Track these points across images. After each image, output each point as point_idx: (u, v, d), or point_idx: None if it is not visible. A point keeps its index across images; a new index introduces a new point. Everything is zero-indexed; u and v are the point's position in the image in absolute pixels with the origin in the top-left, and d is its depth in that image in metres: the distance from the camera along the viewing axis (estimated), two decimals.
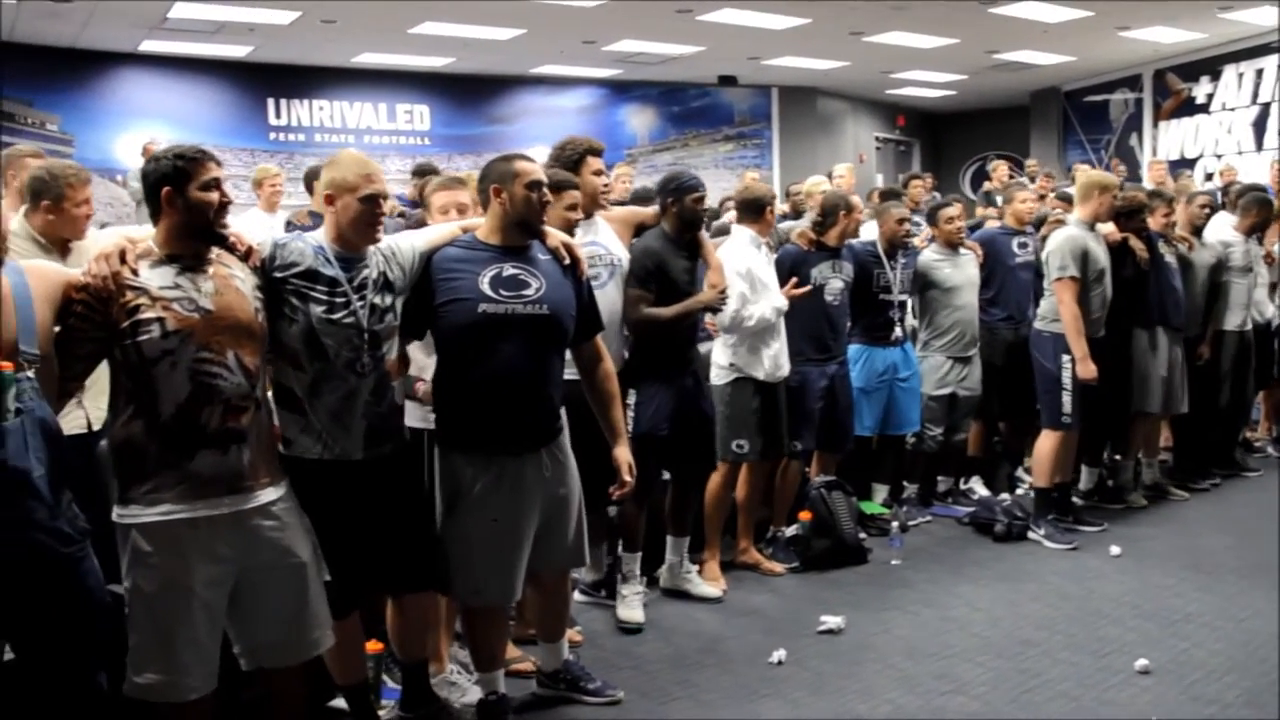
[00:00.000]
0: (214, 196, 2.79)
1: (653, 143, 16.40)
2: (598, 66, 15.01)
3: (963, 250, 6.11)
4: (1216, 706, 3.74)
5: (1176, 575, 5.11)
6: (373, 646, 3.58)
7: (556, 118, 15.32)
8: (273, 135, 14.04)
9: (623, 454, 3.70)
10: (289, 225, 6.68)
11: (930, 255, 6.09)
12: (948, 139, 19.79)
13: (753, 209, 5.10)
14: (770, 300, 4.97)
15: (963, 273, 6.06)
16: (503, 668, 3.69)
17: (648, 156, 15.98)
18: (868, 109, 18.28)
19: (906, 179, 9.62)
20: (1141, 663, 4.04)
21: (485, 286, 3.31)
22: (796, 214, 7.55)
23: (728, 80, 16.16)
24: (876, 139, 18.64)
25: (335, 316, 3.08)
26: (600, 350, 3.71)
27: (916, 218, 6.75)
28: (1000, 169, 11.38)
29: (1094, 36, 13.21)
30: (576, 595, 4.76)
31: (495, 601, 3.52)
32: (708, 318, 4.89)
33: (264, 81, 13.94)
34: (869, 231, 6.18)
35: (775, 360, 5.04)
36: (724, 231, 5.93)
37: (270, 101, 14.09)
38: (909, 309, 6.09)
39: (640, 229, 4.66)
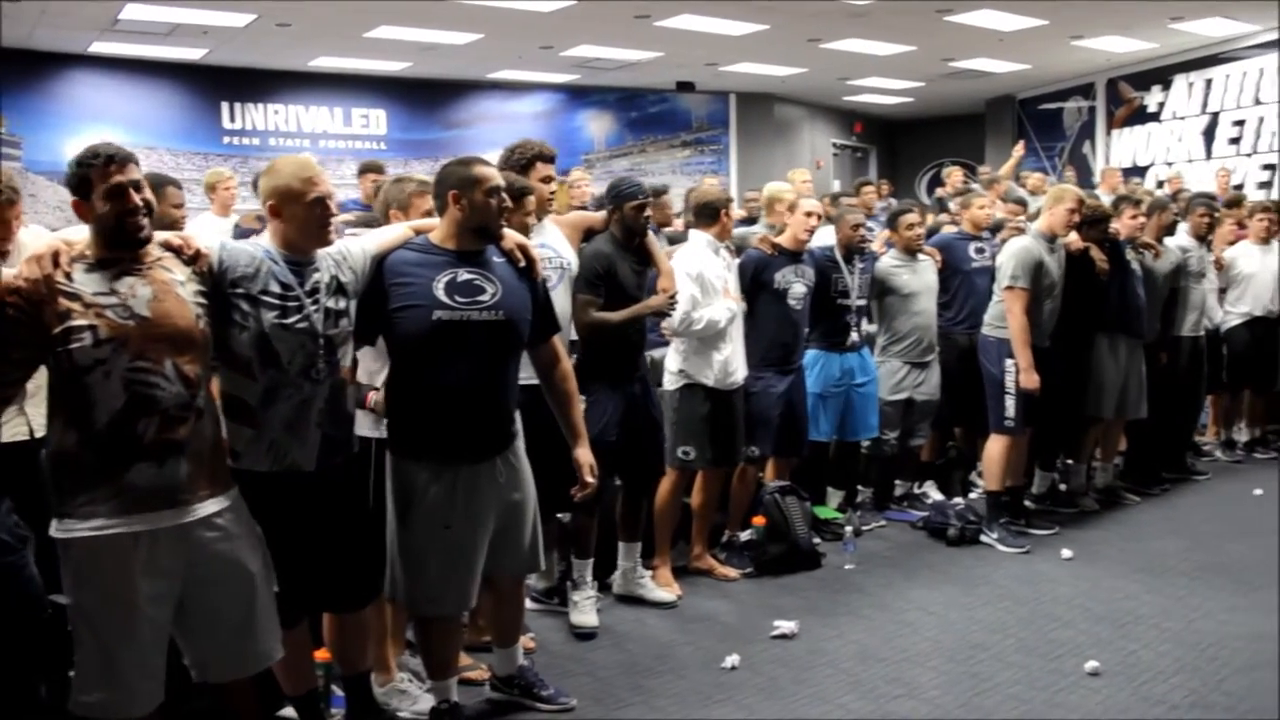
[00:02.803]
0: (119, 203, 2.65)
1: (610, 148, 16.37)
2: (555, 72, 14.97)
3: (921, 256, 6.14)
4: (1164, 707, 3.77)
5: (1127, 578, 5.15)
6: (321, 655, 3.54)
7: (514, 123, 15.25)
8: (227, 139, 13.87)
9: (584, 455, 3.70)
10: (237, 229, 6.61)
11: (889, 261, 6.10)
12: (904, 146, 19.91)
13: (708, 213, 5.09)
14: (722, 305, 4.95)
15: (921, 279, 6.08)
16: (455, 675, 3.66)
17: (605, 162, 15.94)
18: (825, 116, 18.35)
19: (858, 185, 9.67)
20: (1091, 665, 4.08)
21: (440, 293, 3.27)
22: (750, 220, 7.55)
23: (685, 86, 16.16)
24: (834, 145, 18.71)
25: (288, 322, 3.00)
26: (558, 351, 3.70)
27: (870, 223, 6.77)
28: (954, 175, 11.46)
29: (1048, 45, 13.33)
30: (528, 603, 4.73)
31: (451, 610, 3.49)
32: (662, 323, 4.86)
33: (218, 85, 13.76)
34: (825, 236, 6.18)
35: (726, 367, 5.02)
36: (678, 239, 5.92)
37: (224, 105, 13.91)
38: (866, 314, 6.10)
39: (589, 233, 4.65)
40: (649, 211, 4.68)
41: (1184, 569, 5.27)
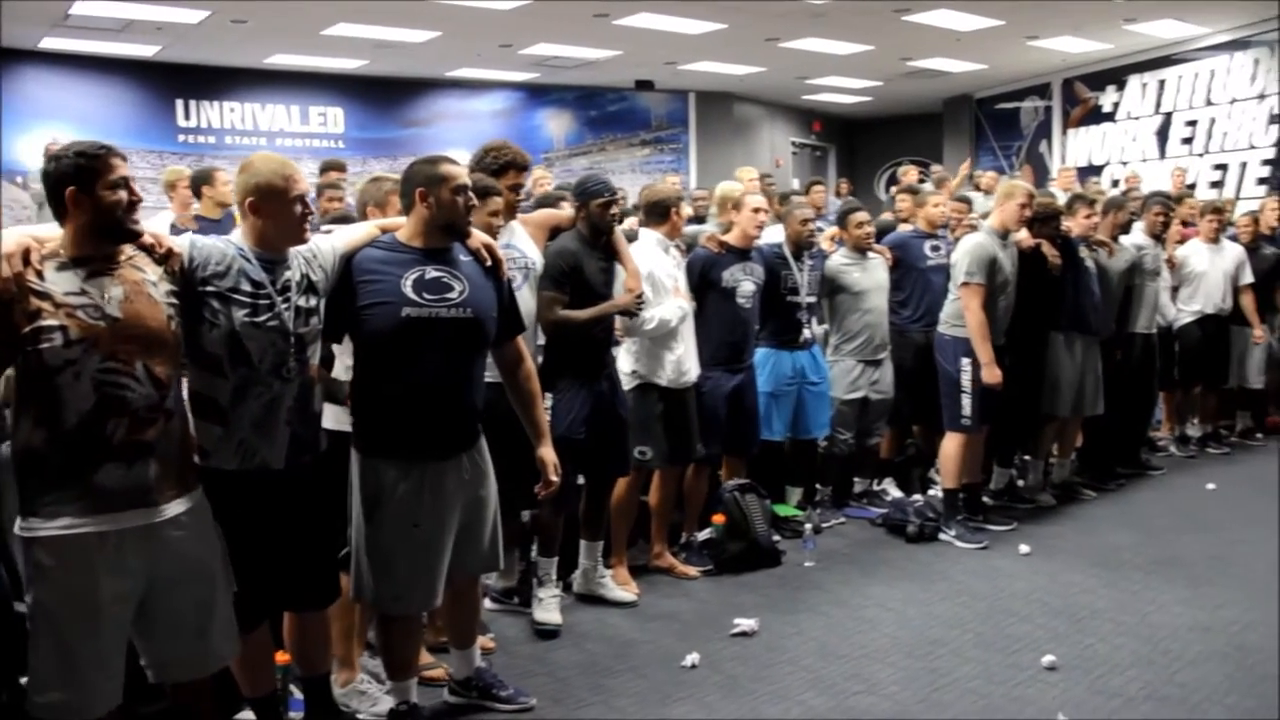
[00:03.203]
0: (122, 195, 2.65)
1: (569, 146, 16.35)
2: (514, 70, 14.93)
3: (871, 254, 6.15)
4: (1120, 700, 3.80)
5: (1083, 572, 5.20)
6: (281, 658, 3.50)
7: (473, 121, 15.22)
8: (182, 137, 13.75)
9: (547, 453, 3.71)
10: (173, 228, 6.51)
11: (839, 259, 6.10)
12: (863, 145, 20.02)
13: (658, 211, 5.08)
14: (673, 303, 4.94)
15: (871, 277, 6.09)
16: (416, 676, 3.65)
17: (564, 160, 15.92)
18: (784, 114, 18.42)
19: (809, 184, 9.71)
20: (1049, 659, 4.11)
21: (408, 290, 3.27)
22: (699, 219, 7.55)
23: (645, 85, 16.17)
24: (793, 144, 18.78)
25: (259, 320, 2.99)
26: (521, 351, 3.71)
27: (820, 223, 6.78)
28: (910, 173, 11.53)
29: (1004, 45, 13.44)
30: (487, 603, 4.72)
31: (417, 608, 3.50)
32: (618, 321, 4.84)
33: (173, 82, 13.63)
34: (774, 234, 6.20)
35: (679, 366, 5.00)
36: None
37: (179, 102, 13.79)
38: (817, 312, 6.10)
39: (556, 232, 4.63)
40: (616, 209, 4.66)
41: (1139, 563, 5.33)
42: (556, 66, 14.56)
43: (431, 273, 3.33)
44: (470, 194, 3.42)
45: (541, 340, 4.55)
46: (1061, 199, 6.84)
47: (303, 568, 3.20)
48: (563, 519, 4.64)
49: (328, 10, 11.14)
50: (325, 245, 3.27)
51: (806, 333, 5.84)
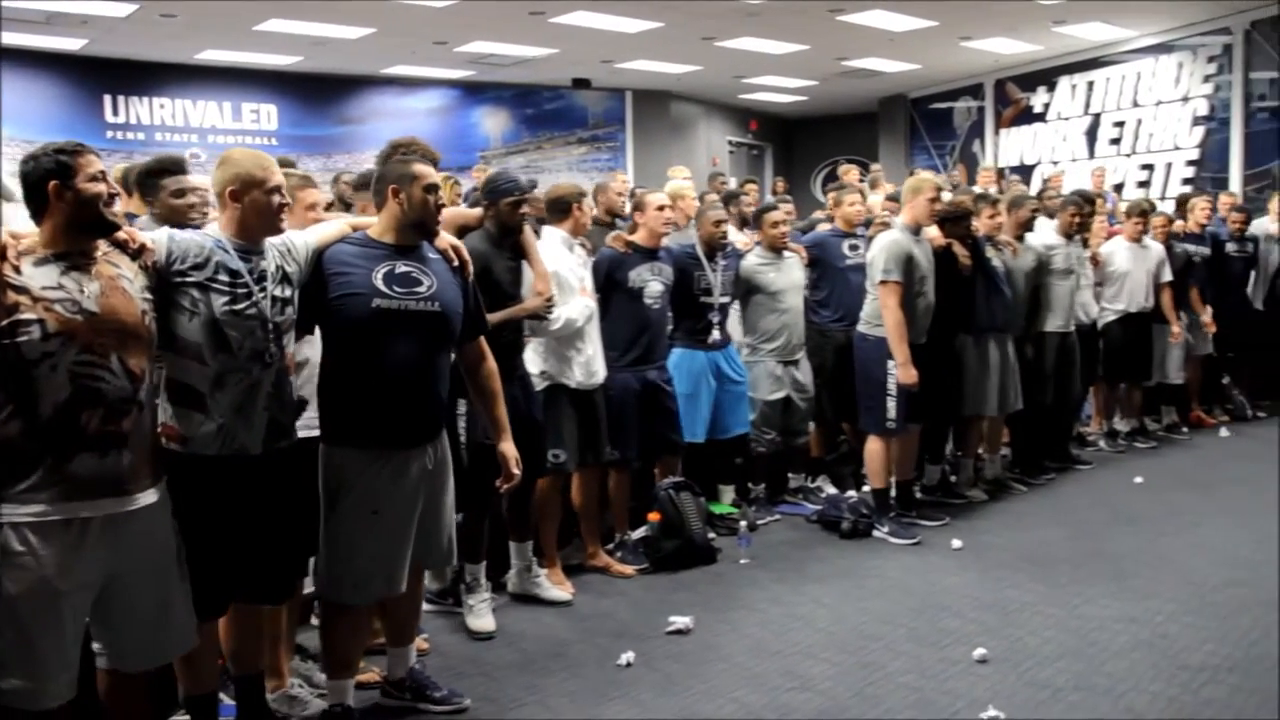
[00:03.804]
0: (102, 187, 2.76)
1: (506, 145, 16.28)
2: (450, 67, 14.84)
3: (787, 254, 6.12)
4: (1049, 691, 3.86)
5: (1013, 566, 5.26)
6: None
7: (408, 119, 15.09)
8: (110, 134, 13.47)
9: (508, 448, 3.80)
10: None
11: (754, 260, 6.06)
12: (799, 143, 20.14)
13: (560, 208, 4.99)
14: (579, 302, 4.88)
15: (787, 276, 6.06)
16: (354, 677, 3.66)
17: (501, 159, 15.84)
18: (721, 113, 18.48)
19: (742, 183, 9.74)
20: (980, 652, 4.15)
21: (379, 282, 3.38)
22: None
23: (581, 83, 16.15)
24: (730, 143, 18.85)
25: (239, 308, 3.10)
26: (484, 349, 3.80)
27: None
28: (851, 173, 11.62)
29: (938, 46, 13.59)
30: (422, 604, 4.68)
31: (377, 596, 3.55)
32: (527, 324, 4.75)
33: (100, 77, 13.36)
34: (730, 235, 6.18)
35: (587, 367, 4.95)
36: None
37: (107, 98, 13.52)
38: (730, 312, 6.02)
39: (463, 230, 4.54)
40: (526, 208, 4.58)
41: (1068, 557, 5.41)
42: (493, 64, 14.49)
43: (402, 267, 3.44)
44: (439, 193, 3.53)
45: None
46: None
47: (270, 557, 3.26)
48: (486, 524, 4.61)
49: (260, 5, 10.99)
50: (299, 239, 3.39)
51: (717, 333, 5.78)
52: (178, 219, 3.74)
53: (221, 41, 12.77)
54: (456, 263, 3.62)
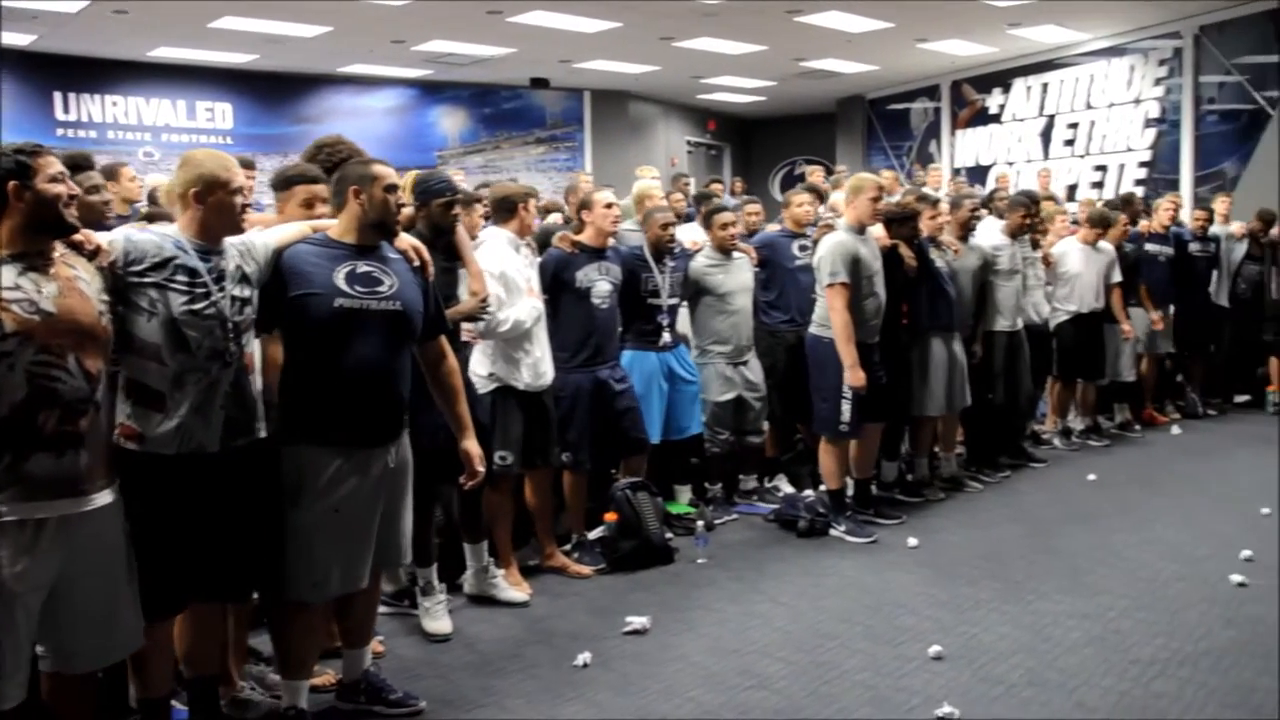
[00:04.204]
0: (62, 189, 2.78)
1: (464, 144, 16.21)
2: (407, 66, 14.76)
3: (736, 255, 6.12)
4: (1003, 687, 3.89)
5: (969, 564, 5.30)
6: None
7: (366, 118, 15.01)
8: (60, 131, 13.26)
9: (472, 446, 3.82)
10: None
11: (703, 261, 6.06)
12: (758, 144, 20.20)
13: (505, 208, 4.96)
14: (527, 303, 4.85)
15: (736, 278, 6.06)
16: (309, 678, 3.64)
17: (459, 158, 15.77)
18: (679, 113, 18.50)
19: (707, 183, 9.77)
20: (935, 649, 4.18)
21: (340, 282, 3.40)
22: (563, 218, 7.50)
23: (540, 83, 16.12)
24: (688, 143, 18.87)
25: (197, 308, 3.10)
26: (445, 348, 3.80)
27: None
28: (815, 173, 11.68)
29: (895, 47, 13.68)
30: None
31: (335, 593, 3.53)
32: (465, 326, 4.72)
33: (50, 74, 13.15)
34: (686, 234, 6.19)
35: (535, 368, 4.92)
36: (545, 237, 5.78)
37: (57, 95, 13.31)
38: (679, 313, 6.01)
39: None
40: (458, 210, 4.53)
41: (1022, 553, 5.45)
42: (450, 64, 14.43)
43: (363, 267, 3.47)
44: (398, 193, 3.57)
45: None
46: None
47: (228, 554, 3.24)
48: (436, 527, 4.60)
49: (214, 3, 10.87)
50: (258, 240, 3.38)
51: (667, 335, 5.79)
52: (93, 217, 3.74)
53: (175, 38, 12.62)
54: (417, 263, 3.64)
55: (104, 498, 2.87)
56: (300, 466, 3.41)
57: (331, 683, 3.90)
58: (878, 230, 5.97)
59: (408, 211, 4.61)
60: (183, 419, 3.09)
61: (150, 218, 3.83)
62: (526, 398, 4.94)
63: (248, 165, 7.39)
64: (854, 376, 5.55)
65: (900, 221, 6.11)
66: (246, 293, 3.26)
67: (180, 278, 3.09)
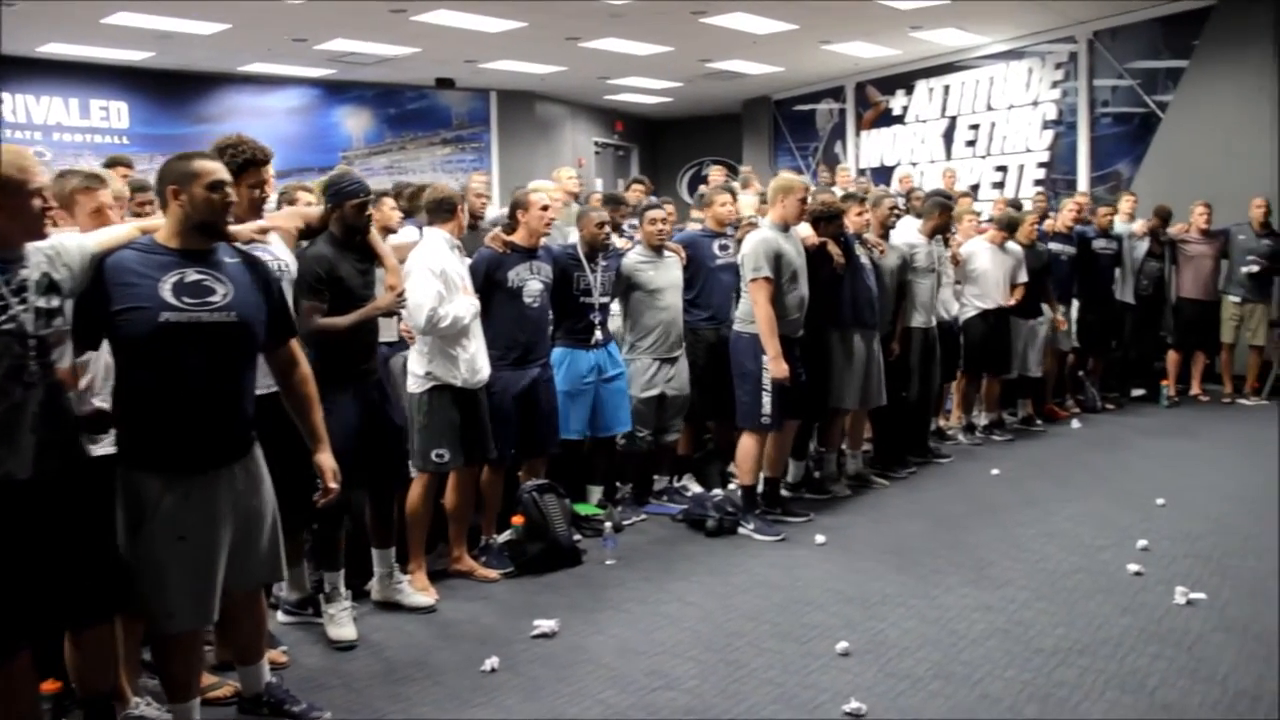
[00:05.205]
0: None
1: (369, 145, 15.96)
2: (310, 66, 14.49)
3: (667, 253, 6.18)
4: (909, 681, 3.92)
5: (876, 559, 5.35)
6: (48, 686, 3.32)
7: (267, 118, 14.69)
8: None
9: (325, 459, 3.60)
10: None
11: (634, 258, 6.12)
12: (665, 144, 20.22)
13: (444, 209, 5.00)
14: (465, 301, 4.89)
15: (666, 275, 6.13)
16: (198, 697, 3.49)
17: (364, 159, 15.53)
18: (586, 114, 18.45)
19: (628, 184, 9.76)
20: (842, 645, 4.20)
21: (167, 294, 3.11)
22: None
23: (445, 83, 15.94)
24: (595, 144, 18.83)
25: None
26: (296, 354, 3.56)
27: (635, 221, 6.81)
28: (717, 173, 11.70)
29: (799, 49, 13.77)
30: (280, 615, 4.58)
31: (190, 626, 3.31)
32: (402, 324, 4.71)
33: None
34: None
35: (472, 365, 4.95)
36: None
37: None
38: (610, 311, 6.09)
39: (307, 230, 4.43)
40: (371, 210, 4.49)
41: (928, 548, 5.52)
42: (353, 63, 14.20)
43: (192, 275, 3.18)
44: (227, 190, 3.25)
45: None
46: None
47: (71, 579, 3.00)
48: (346, 530, 4.51)
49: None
50: (71, 243, 3.09)
51: (599, 333, 5.84)
52: None
53: (66, 34, 12.21)
54: (263, 251, 3.39)
55: None
56: (139, 494, 3.16)
57: (232, 695, 3.79)
58: (804, 229, 6.05)
59: (314, 209, 4.54)
60: None
61: None
62: (463, 395, 4.92)
63: (124, 164, 7.23)
64: (777, 368, 5.62)
65: (827, 220, 6.20)
66: (55, 303, 2.95)
67: None
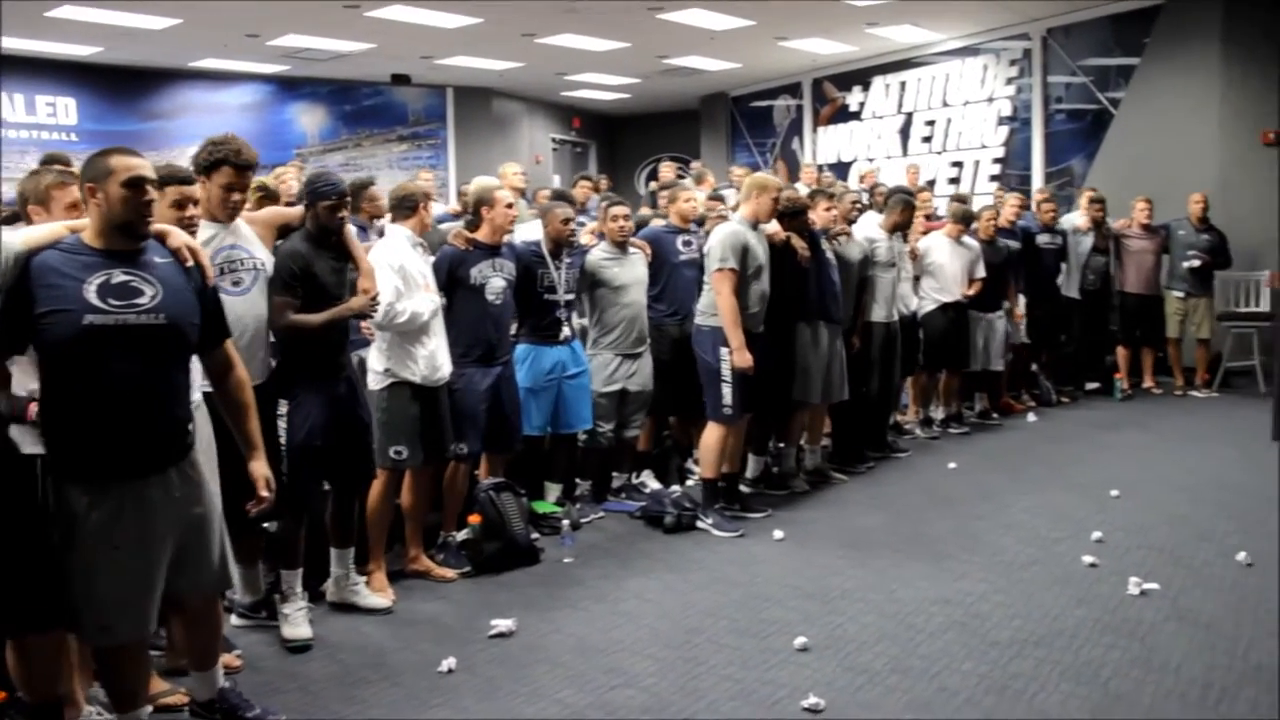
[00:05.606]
0: None
1: (324, 142, 15.81)
2: (263, 61, 14.33)
3: (631, 249, 6.18)
4: (867, 675, 3.93)
5: (834, 554, 5.36)
6: None
7: (220, 115, 14.49)
8: None
9: (258, 468, 3.45)
10: None
11: (599, 254, 6.13)
12: (622, 141, 20.21)
13: (406, 206, 5.00)
14: (424, 297, 4.87)
15: (630, 271, 6.14)
16: (147, 705, 3.42)
17: (319, 156, 15.38)
18: (543, 110, 18.39)
19: (576, 179, 9.75)
20: (800, 640, 4.21)
21: (91, 295, 2.98)
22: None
23: (401, 79, 15.83)
24: (553, 140, 18.78)
25: None
26: (231, 357, 3.44)
27: (582, 218, 6.82)
28: (667, 169, 11.69)
29: (756, 45, 13.79)
30: (234, 619, 4.52)
31: (126, 638, 3.18)
32: (362, 322, 4.70)
33: None
34: (533, 231, 6.17)
35: (431, 362, 4.94)
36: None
37: None
38: (577, 307, 6.11)
39: (285, 230, 4.44)
40: (344, 212, 4.45)
41: (887, 542, 5.54)
42: (308, 59, 14.07)
43: (119, 277, 3.05)
44: (146, 188, 3.09)
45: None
46: (805, 194, 7.08)
47: (5, 585, 2.95)
48: (304, 529, 4.46)
49: None
50: None
51: (565, 329, 5.84)
52: None
53: (10, 27, 11.97)
54: (191, 263, 3.24)
55: None
56: (68, 503, 3.04)
57: (185, 701, 3.73)
58: (773, 226, 6.07)
59: (296, 210, 4.51)
60: None
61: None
62: (422, 392, 4.91)
63: (62, 162, 7.12)
64: (740, 359, 5.64)
65: (793, 215, 6.26)
66: None
67: None
